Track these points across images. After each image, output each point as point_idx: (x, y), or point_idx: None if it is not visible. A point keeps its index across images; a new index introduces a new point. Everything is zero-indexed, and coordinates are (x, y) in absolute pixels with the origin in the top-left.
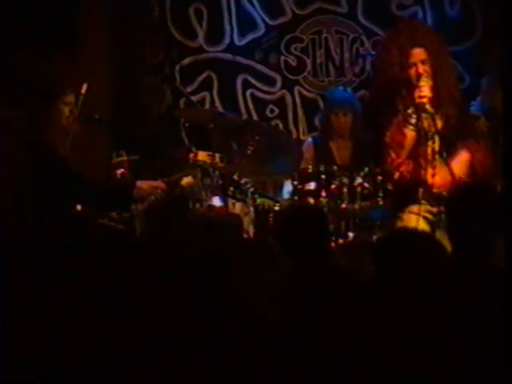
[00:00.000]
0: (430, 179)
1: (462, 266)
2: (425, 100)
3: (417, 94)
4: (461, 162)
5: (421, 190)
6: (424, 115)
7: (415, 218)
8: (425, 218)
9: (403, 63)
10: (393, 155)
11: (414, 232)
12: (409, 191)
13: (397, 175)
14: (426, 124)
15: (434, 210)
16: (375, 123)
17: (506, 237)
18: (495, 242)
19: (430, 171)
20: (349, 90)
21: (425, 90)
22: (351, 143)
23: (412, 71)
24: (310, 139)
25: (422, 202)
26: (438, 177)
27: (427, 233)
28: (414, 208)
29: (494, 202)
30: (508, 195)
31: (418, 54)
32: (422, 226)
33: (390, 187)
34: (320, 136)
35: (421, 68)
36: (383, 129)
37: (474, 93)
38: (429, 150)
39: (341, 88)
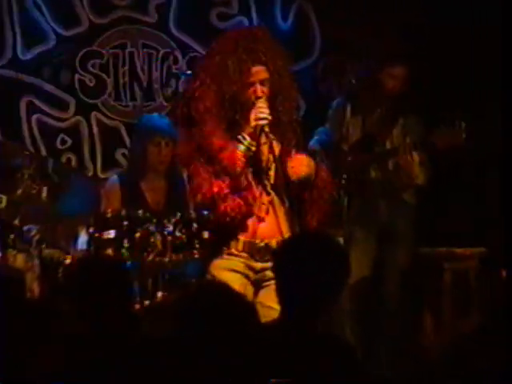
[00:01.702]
0: (254, 224)
1: (287, 334)
2: (264, 122)
3: (253, 115)
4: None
5: (242, 239)
6: (262, 140)
7: (232, 277)
8: (246, 276)
9: (242, 82)
10: (219, 183)
11: (224, 290)
12: (227, 238)
13: (220, 210)
14: (265, 150)
15: (258, 265)
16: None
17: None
18: (329, 308)
19: (258, 212)
20: (166, 117)
21: (264, 111)
22: (166, 183)
23: (249, 92)
24: (114, 177)
25: (243, 254)
26: (267, 222)
27: (239, 294)
28: (231, 262)
29: (334, 257)
30: (508, 196)
31: (259, 72)
32: (239, 288)
33: (206, 236)
34: (128, 173)
35: (259, 89)
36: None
37: (309, 123)
38: (258, 186)
39: (156, 114)
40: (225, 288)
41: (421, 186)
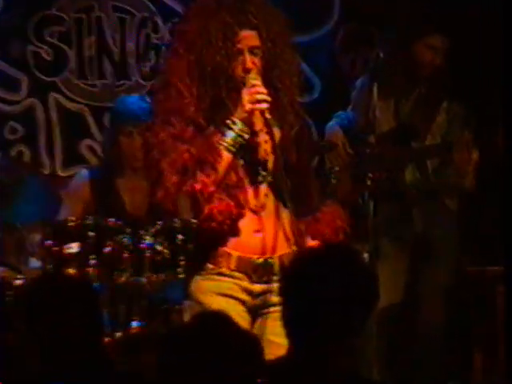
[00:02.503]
0: (250, 235)
1: (293, 372)
2: (264, 106)
3: (247, 96)
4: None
5: (235, 254)
6: (258, 125)
7: (224, 302)
8: (241, 301)
9: (228, 50)
10: (202, 178)
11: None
12: (216, 252)
13: (204, 214)
14: (261, 138)
15: (256, 288)
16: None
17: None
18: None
19: (250, 220)
20: (147, 98)
21: (261, 90)
22: (149, 183)
23: (236, 63)
24: (84, 172)
25: (236, 274)
26: (266, 232)
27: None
28: (222, 284)
29: (359, 277)
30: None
31: (249, 38)
32: (235, 315)
33: (192, 250)
34: (102, 168)
35: (248, 59)
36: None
37: (327, 106)
38: (256, 184)
39: (135, 96)
40: (221, 317)
41: (469, 189)
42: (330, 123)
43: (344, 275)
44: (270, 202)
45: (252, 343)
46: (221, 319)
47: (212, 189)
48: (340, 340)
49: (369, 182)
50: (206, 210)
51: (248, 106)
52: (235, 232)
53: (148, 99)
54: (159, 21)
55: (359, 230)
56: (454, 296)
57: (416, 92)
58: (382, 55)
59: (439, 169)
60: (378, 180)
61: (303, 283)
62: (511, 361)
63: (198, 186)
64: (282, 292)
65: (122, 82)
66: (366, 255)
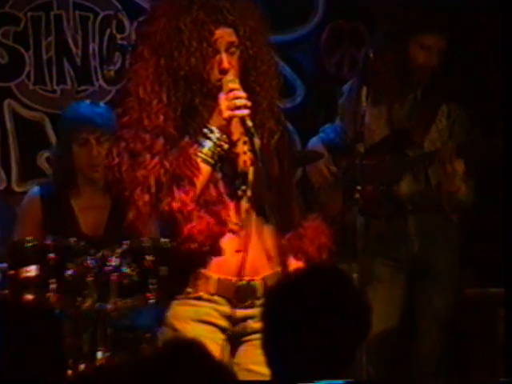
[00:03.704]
0: (231, 255)
1: None
2: (245, 112)
3: (225, 102)
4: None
5: (214, 277)
6: (236, 133)
7: (202, 330)
8: (220, 328)
9: (203, 51)
10: (181, 196)
11: (195, 350)
12: (193, 275)
13: (183, 234)
14: (240, 150)
15: (237, 313)
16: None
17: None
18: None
19: (231, 238)
20: (101, 104)
21: (240, 95)
22: (109, 199)
23: (212, 63)
24: (34, 190)
25: (215, 298)
26: (247, 251)
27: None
28: (200, 309)
29: (349, 301)
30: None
31: (225, 36)
32: (209, 345)
33: (165, 272)
34: (54, 184)
35: (225, 59)
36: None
37: (311, 111)
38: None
39: (86, 101)
40: (195, 347)
41: (465, 204)
42: (313, 139)
43: (332, 302)
44: (251, 219)
45: (224, 375)
46: (191, 348)
47: (191, 207)
48: (324, 372)
49: (358, 196)
50: (186, 231)
51: (226, 113)
52: (215, 252)
53: (102, 104)
54: (125, 19)
55: (348, 248)
56: (454, 321)
57: (411, 96)
58: (371, 55)
59: (439, 181)
60: (368, 193)
61: (285, 309)
62: None
63: (175, 205)
64: (262, 318)
65: (84, 87)
66: (355, 276)
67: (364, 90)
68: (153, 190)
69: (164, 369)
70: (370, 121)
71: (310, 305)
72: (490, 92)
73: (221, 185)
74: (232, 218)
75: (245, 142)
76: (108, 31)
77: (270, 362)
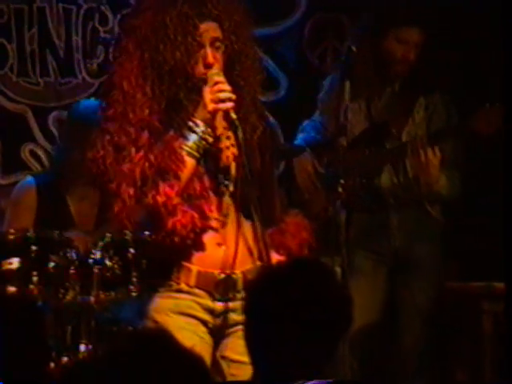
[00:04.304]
0: (212, 248)
1: None
2: (229, 105)
3: (210, 95)
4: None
5: (195, 269)
6: (220, 128)
7: (183, 322)
8: (202, 321)
9: (188, 45)
10: (166, 190)
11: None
12: (174, 268)
13: (167, 228)
14: (223, 145)
15: (218, 306)
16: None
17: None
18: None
19: (212, 232)
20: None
21: (225, 87)
22: (100, 195)
23: (196, 57)
24: (29, 179)
25: (196, 291)
26: (228, 245)
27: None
28: (181, 302)
29: (330, 294)
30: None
31: (209, 30)
32: (191, 337)
33: (146, 265)
34: (49, 176)
35: (210, 54)
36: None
37: (294, 105)
38: (219, 194)
39: (93, 100)
40: (171, 340)
41: (446, 197)
42: (296, 141)
43: (313, 295)
44: (232, 213)
45: (195, 365)
46: (159, 338)
47: (176, 201)
48: (305, 366)
49: (340, 190)
50: (169, 225)
51: (211, 106)
52: (197, 246)
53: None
54: (108, 12)
55: (330, 242)
56: (436, 315)
57: (389, 90)
58: (354, 49)
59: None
60: (350, 187)
61: (267, 302)
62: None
63: (160, 199)
64: (244, 311)
65: (67, 79)
66: (338, 269)
67: (347, 84)
68: (138, 183)
69: (129, 362)
70: (350, 115)
71: (292, 297)
72: (470, 84)
73: (205, 179)
74: (214, 212)
75: (228, 137)
76: (91, 24)
77: (253, 355)
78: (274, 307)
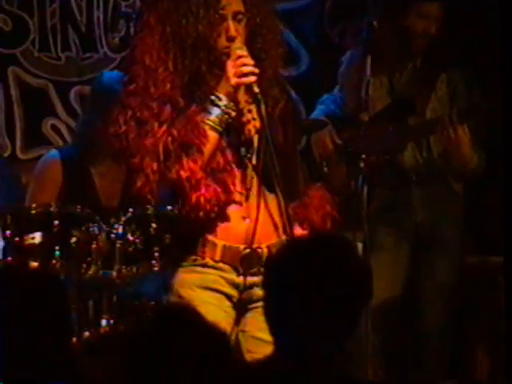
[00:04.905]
0: (236, 222)
1: (283, 379)
2: (252, 79)
3: (232, 69)
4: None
5: (220, 244)
6: (242, 101)
7: (208, 297)
8: (227, 296)
9: (210, 18)
10: (189, 164)
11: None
12: (198, 242)
13: (191, 202)
14: (245, 119)
15: (243, 281)
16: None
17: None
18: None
19: (237, 206)
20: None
21: (248, 61)
22: (125, 170)
23: (219, 31)
24: (54, 152)
25: (221, 265)
26: (257, 221)
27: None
28: (206, 277)
29: (350, 269)
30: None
31: (232, 3)
32: (215, 312)
33: (169, 240)
34: (74, 150)
35: (232, 27)
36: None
37: (315, 80)
38: (242, 168)
39: (116, 72)
40: (196, 315)
41: (475, 172)
42: (315, 112)
43: (333, 268)
44: (255, 187)
45: (219, 342)
46: (184, 314)
47: (200, 175)
48: (327, 340)
49: (362, 165)
50: (194, 199)
51: (234, 80)
52: (222, 220)
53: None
54: None
55: (352, 217)
56: (457, 290)
57: (410, 65)
58: (376, 24)
59: (443, 150)
60: (372, 163)
61: (289, 275)
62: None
63: (184, 174)
64: (264, 284)
65: (88, 54)
66: (359, 245)
67: (368, 60)
68: (161, 158)
69: (154, 338)
70: (371, 90)
71: (314, 271)
72: (489, 57)
73: (228, 153)
74: (237, 186)
75: (249, 111)
76: None
77: (274, 329)
78: (296, 280)
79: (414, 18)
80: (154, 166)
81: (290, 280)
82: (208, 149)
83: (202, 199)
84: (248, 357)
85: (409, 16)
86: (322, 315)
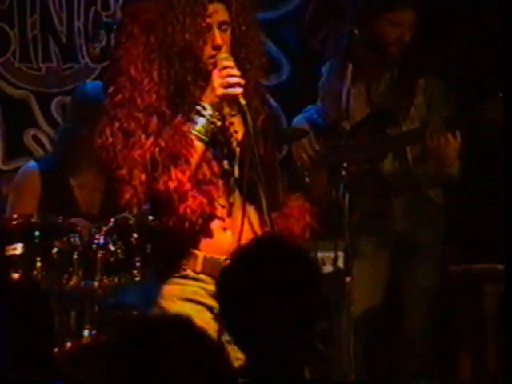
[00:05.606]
0: (218, 233)
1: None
2: (238, 90)
3: (219, 79)
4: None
5: (201, 255)
6: (225, 111)
7: (189, 309)
8: (208, 307)
9: (197, 27)
10: (177, 175)
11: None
12: (180, 254)
13: (179, 213)
14: (228, 133)
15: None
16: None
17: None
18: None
19: (224, 219)
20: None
21: (234, 72)
22: (103, 178)
23: (205, 39)
24: (32, 164)
25: (202, 277)
26: (238, 232)
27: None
28: (186, 288)
29: (296, 272)
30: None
31: (217, 12)
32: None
33: (149, 249)
34: (52, 160)
35: (218, 36)
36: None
37: (296, 89)
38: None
39: (98, 82)
40: (183, 322)
41: (455, 178)
42: (298, 117)
43: (280, 270)
44: (238, 200)
45: (216, 351)
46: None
47: (187, 186)
48: (288, 342)
49: (343, 174)
50: (181, 210)
51: (220, 91)
52: (205, 232)
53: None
54: None
55: (333, 226)
56: (439, 298)
57: (387, 75)
58: (356, 32)
59: (421, 158)
60: (353, 172)
61: (237, 285)
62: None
63: (172, 184)
64: (217, 298)
65: (69, 64)
66: (340, 254)
67: (349, 67)
68: (149, 169)
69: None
70: (352, 100)
71: (261, 275)
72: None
73: (213, 164)
74: (221, 198)
75: (231, 123)
76: (93, 9)
77: (236, 339)
78: (245, 286)
79: (386, 26)
80: (142, 177)
81: (240, 289)
82: (195, 159)
83: (188, 210)
84: (238, 364)
85: (381, 24)
86: (277, 318)
